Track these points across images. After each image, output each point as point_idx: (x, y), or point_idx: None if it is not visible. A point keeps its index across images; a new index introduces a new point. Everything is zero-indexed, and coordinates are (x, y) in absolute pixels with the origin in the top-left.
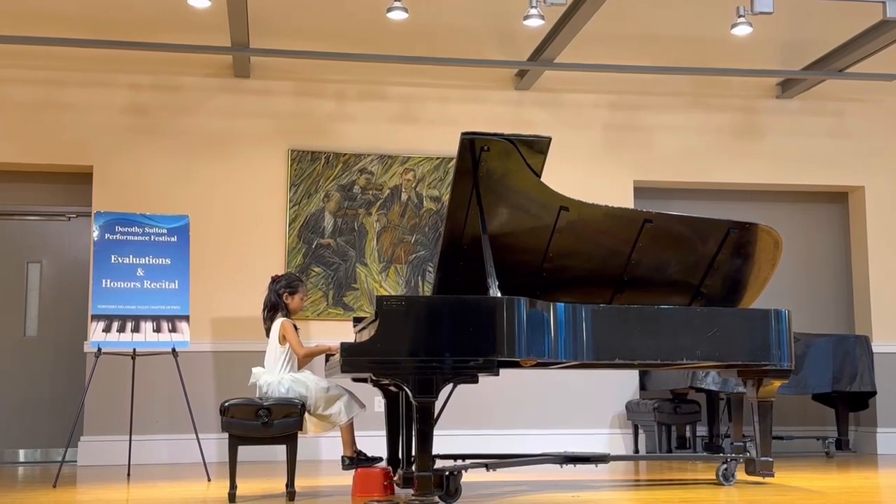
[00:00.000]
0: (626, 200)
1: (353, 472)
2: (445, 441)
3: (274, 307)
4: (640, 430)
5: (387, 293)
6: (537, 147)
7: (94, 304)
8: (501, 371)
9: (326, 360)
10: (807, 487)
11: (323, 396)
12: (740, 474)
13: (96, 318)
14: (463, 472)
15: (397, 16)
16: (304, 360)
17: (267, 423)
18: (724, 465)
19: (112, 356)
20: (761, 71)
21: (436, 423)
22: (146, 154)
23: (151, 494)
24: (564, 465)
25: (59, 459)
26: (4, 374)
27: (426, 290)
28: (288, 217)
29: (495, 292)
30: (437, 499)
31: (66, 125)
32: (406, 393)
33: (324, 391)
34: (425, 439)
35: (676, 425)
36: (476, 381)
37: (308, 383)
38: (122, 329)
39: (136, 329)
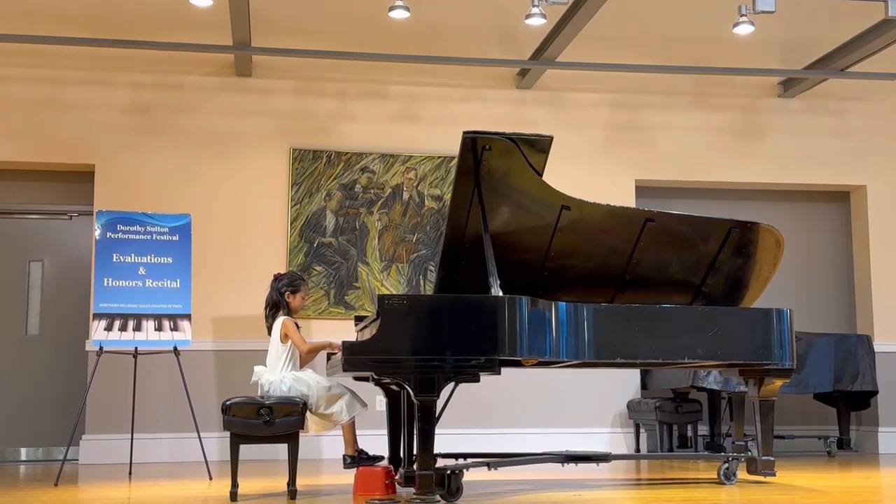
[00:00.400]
0: (627, 200)
1: (354, 470)
2: (447, 440)
3: (276, 306)
4: (642, 430)
5: (388, 292)
6: (539, 146)
7: (96, 302)
8: (503, 370)
9: (328, 359)
10: (808, 487)
11: (324, 395)
12: (742, 473)
13: (98, 316)
14: (464, 470)
15: (399, 15)
16: (307, 357)
17: (268, 422)
18: (726, 465)
19: (114, 355)
20: (763, 70)
21: (437, 421)
22: (148, 153)
23: (153, 493)
24: (566, 464)
25: (60, 458)
26: (6, 372)
27: (428, 289)
28: (289, 216)
29: (497, 291)
30: (438, 497)
31: (68, 124)
32: (407, 392)
33: (325, 390)
34: (427, 438)
35: (678, 424)
36: (477, 381)
37: (310, 382)
38: (123, 328)
39: (137, 328)
